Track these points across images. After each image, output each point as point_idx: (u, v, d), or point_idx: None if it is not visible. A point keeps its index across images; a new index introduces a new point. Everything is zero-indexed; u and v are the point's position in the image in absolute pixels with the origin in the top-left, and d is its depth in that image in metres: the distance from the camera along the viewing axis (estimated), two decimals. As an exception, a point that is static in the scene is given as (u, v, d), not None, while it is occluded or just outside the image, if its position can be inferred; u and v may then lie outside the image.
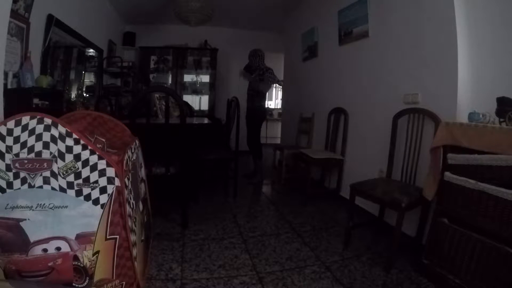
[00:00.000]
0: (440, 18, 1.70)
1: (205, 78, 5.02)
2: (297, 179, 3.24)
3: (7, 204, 0.98)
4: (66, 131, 0.99)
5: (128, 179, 1.17)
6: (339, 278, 1.49)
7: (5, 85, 1.72)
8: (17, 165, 0.97)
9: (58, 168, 1.00)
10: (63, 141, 0.99)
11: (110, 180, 1.04)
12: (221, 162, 2.90)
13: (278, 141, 5.48)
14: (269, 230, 2.07)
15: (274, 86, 5.20)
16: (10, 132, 0.96)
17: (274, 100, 7.28)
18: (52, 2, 2.38)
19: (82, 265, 1.03)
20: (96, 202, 1.03)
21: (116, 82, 4.40)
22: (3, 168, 0.97)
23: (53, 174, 1.00)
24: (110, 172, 1.04)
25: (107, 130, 1.51)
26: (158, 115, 3.10)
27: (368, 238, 1.95)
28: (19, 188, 0.98)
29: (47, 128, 0.98)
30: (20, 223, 0.99)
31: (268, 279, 1.47)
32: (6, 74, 1.78)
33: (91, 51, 3.46)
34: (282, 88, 5.06)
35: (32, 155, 0.98)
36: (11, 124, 0.97)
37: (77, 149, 1.01)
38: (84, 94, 3.26)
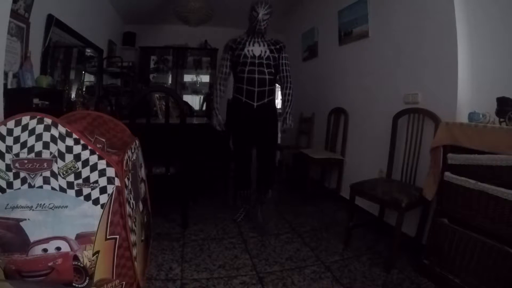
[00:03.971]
0: (440, 18, 1.70)
1: (205, 78, 5.02)
2: (297, 179, 3.24)
3: (7, 204, 0.98)
4: (66, 131, 0.99)
5: (128, 179, 1.17)
6: (339, 278, 1.49)
7: (5, 85, 1.72)
8: (17, 165, 0.97)
9: (58, 168, 1.00)
10: (63, 141, 0.99)
11: (110, 180, 1.04)
12: (221, 162, 2.90)
13: (278, 141, 5.48)
14: (269, 230, 2.07)
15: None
16: (10, 132, 0.96)
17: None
18: (52, 2, 2.38)
19: (82, 265, 1.03)
20: (96, 202, 1.03)
21: (116, 82, 4.40)
22: (3, 168, 0.97)
23: (53, 174, 1.00)
24: (110, 172, 1.04)
25: (107, 130, 1.51)
26: (158, 115, 3.10)
27: (368, 238, 1.95)
28: (19, 188, 0.98)
29: (47, 128, 0.98)
30: (20, 223, 0.98)
31: (268, 279, 1.47)
32: (6, 74, 1.78)
33: (91, 51, 3.46)
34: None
35: (32, 155, 0.98)
36: (11, 124, 0.97)
37: (77, 149, 1.01)
38: (84, 94, 3.26)
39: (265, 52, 1.99)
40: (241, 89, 1.98)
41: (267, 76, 1.96)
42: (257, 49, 1.99)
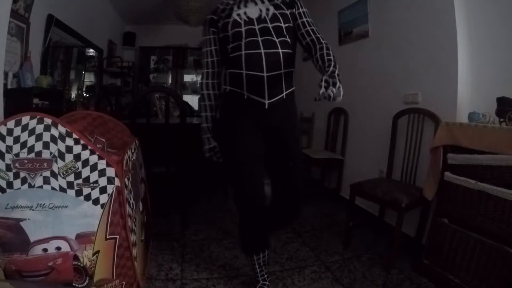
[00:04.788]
0: (440, 18, 1.69)
1: (205, 78, 5.03)
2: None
3: (7, 204, 0.98)
4: (66, 131, 0.99)
5: (128, 179, 1.17)
6: (339, 278, 1.49)
7: (5, 85, 1.72)
8: (17, 165, 0.97)
9: (58, 168, 1.00)
10: (63, 141, 1.00)
11: (110, 180, 1.04)
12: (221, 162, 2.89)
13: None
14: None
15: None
16: (10, 132, 0.96)
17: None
18: (52, 2, 2.38)
19: (82, 265, 1.03)
20: (96, 202, 1.03)
21: (116, 82, 4.41)
22: (3, 168, 0.97)
23: (53, 174, 1.00)
24: (110, 172, 1.04)
25: (107, 130, 1.51)
26: (158, 115, 3.10)
27: (368, 238, 1.95)
28: (19, 188, 0.98)
29: (47, 128, 0.98)
30: (20, 223, 0.99)
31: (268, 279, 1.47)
32: (6, 74, 1.78)
33: (91, 51, 3.46)
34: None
35: (32, 155, 0.98)
36: (11, 124, 0.97)
37: (77, 149, 1.01)
38: (84, 94, 3.26)
39: (267, 10, 1.18)
40: (238, 78, 1.17)
41: (280, 50, 1.14)
42: (252, 10, 1.19)
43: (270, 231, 1.41)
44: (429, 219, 1.62)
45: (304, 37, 1.21)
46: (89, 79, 3.52)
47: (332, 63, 1.09)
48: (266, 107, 1.16)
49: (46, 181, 0.99)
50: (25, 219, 0.99)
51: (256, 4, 1.20)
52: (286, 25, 1.18)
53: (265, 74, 1.13)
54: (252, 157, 1.20)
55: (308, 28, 1.21)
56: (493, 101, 1.35)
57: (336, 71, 1.08)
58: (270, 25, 1.16)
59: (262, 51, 1.13)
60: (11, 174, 0.97)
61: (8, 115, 1.08)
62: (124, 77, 4.49)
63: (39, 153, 0.98)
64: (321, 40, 1.18)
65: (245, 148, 1.19)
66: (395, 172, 1.94)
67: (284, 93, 1.19)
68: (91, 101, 3.30)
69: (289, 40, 1.18)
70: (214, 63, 1.28)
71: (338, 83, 1.04)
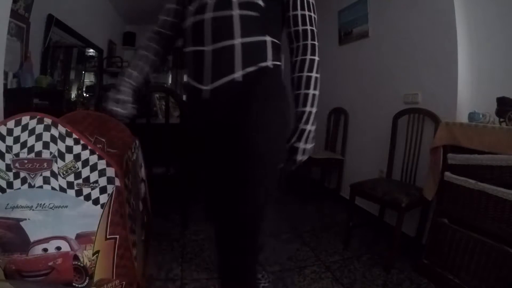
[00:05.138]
0: (440, 18, 1.70)
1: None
2: (297, 179, 3.24)
3: (7, 204, 0.98)
4: (66, 131, 0.99)
5: (128, 179, 1.17)
6: (339, 278, 1.49)
7: (5, 85, 1.72)
8: (17, 165, 0.97)
9: (58, 168, 1.00)
10: (63, 141, 1.00)
11: (110, 180, 1.04)
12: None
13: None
14: (269, 230, 2.07)
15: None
16: (10, 132, 0.96)
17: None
18: (52, 2, 2.38)
19: (82, 264, 1.03)
20: (96, 202, 1.03)
21: (116, 82, 4.41)
22: (3, 168, 0.97)
23: (53, 174, 1.00)
24: (110, 172, 1.04)
25: (107, 130, 1.51)
26: (158, 115, 3.10)
27: (368, 238, 1.95)
28: (19, 188, 0.98)
29: (47, 128, 0.98)
30: (20, 223, 0.99)
31: (268, 279, 1.47)
32: (6, 74, 1.78)
33: (91, 51, 3.46)
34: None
35: (32, 155, 0.98)
36: (11, 124, 0.97)
37: (77, 149, 1.01)
38: (84, 94, 3.26)
39: None
40: (187, 58, 0.91)
41: (235, 11, 0.82)
42: None
43: None
44: (429, 219, 1.62)
45: (290, 24, 0.92)
46: (89, 79, 3.52)
47: (308, 104, 0.90)
48: (207, 95, 0.84)
49: (46, 181, 0.99)
50: (25, 219, 0.99)
51: None
52: None
53: (206, 48, 0.82)
54: (206, 173, 1.01)
55: (299, 12, 0.92)
56: (493, 101, 1.35)
57: (309, 125, 0.89)
58: None
59: (207, 15, 0.81)
60: (11, 174, 0.97)
61: (8, 115, 1.08)
62: (124, 77, 4.49)
63: (39, 153, 0.98)
64: (309, 40, 0.94)
65: (197, 155, 1.04)
66: (395, 172, 1.94)
67: (238, 73, 0.82)
68: (91, 101, 3.30)
69: (260, 3, 0.83)
70: (166, 23, 1.01)
71: (303, 151, 0.87)
